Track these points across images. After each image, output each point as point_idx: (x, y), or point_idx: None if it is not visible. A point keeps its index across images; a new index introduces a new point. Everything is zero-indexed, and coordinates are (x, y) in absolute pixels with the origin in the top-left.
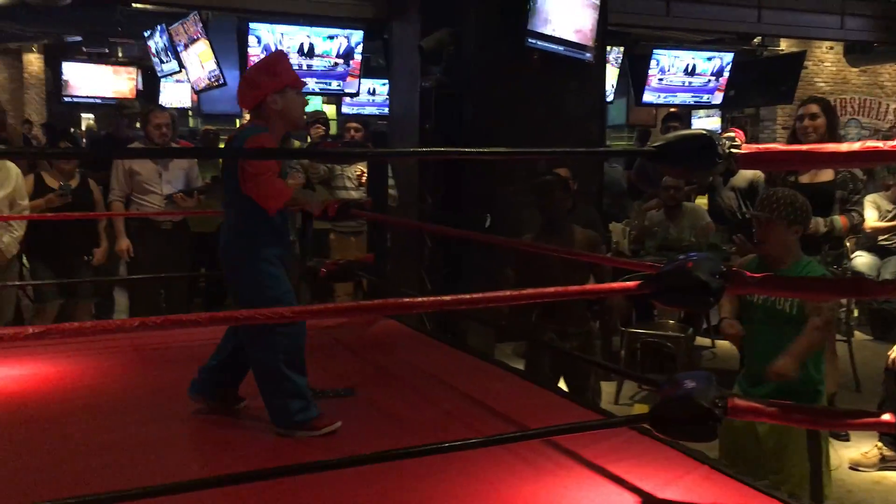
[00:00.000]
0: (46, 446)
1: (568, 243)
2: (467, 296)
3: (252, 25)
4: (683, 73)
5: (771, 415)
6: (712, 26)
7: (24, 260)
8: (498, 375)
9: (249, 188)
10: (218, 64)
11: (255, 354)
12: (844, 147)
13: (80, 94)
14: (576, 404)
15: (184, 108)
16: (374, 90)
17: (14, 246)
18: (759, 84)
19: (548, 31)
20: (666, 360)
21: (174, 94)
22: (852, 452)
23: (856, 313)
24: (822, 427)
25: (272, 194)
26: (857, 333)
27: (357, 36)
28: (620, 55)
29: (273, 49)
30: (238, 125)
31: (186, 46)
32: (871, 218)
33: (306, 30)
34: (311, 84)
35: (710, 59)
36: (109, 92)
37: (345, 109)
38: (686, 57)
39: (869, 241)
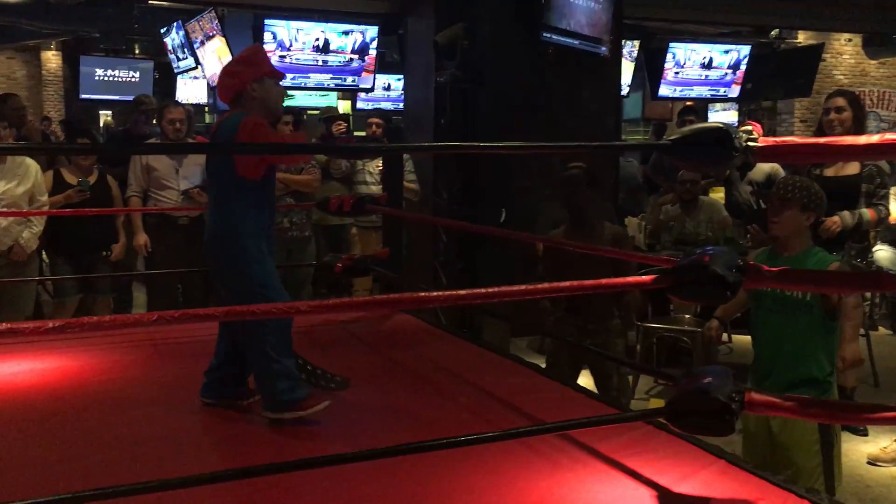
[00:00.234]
0: (65, 439)
1: (596, 238)
2: (482, 290)
3: (267, 21)
4: (700, 67)
5: (788, 409)
6: (729, 18)
7: (44, 255)
8: (513, 370)
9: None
10: None
11: (243, 339)
12: (863, 140)
13: (97, 91)
14: (591, 399)
15: (200, 104)
16: (389, 85)
17: (34, 241)
18: (776, 77)
19: (563, 24)
20: (682, 354)
21: (190, 91)
22: (871, 447)
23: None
24: (840, 421)
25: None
26: (879, 328)
27: (372, 31)
28: (635, 49)
29: (288, 45)
30: None
31: (203, 43)
32: None
33: (321, 25)
34: (326, 80)
35: (726, 52)
36: (126, 88)
37: (360, 105)
38: (702, 50)
39: (891, 235)
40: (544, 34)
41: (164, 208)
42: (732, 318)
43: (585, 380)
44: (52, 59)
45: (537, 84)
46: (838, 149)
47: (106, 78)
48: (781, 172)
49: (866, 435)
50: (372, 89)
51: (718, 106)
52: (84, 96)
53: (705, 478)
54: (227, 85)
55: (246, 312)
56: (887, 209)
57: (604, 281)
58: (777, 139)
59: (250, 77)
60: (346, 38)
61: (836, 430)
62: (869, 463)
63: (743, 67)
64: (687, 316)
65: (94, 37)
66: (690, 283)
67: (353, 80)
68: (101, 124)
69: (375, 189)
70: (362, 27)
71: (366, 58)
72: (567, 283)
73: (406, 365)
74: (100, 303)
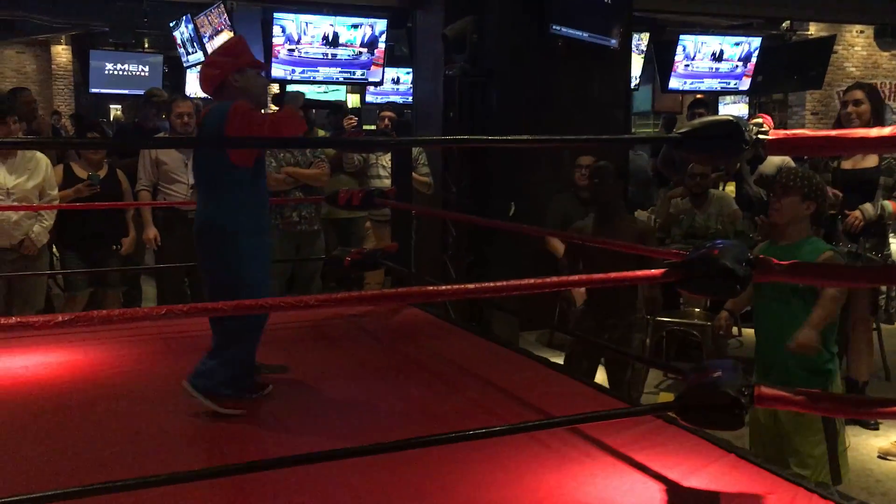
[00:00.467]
0: (76, 432)
1: (624, 230)
2: (491, 284)
3: (276, 15)
4: (710, 59)
5: (798, 403)
6: (739, 10)
7: (54, 249)
8: (522, 364)
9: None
10: None
11: (220, 323)
12: (874, 132)
13: (106, 85)
14: (600, 392)
15: (209, 98)
16: (398, 79)
17: (44, 235)
18: (787, 69)
19: (572, 17)
20: (691, 348)
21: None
22: (881, 441)
23: None
24: (851, 415)
25: (280, 121)
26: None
27: (381, 25)
28: (643, 42)
29: (297, 39)
30: None
31: (212, 37)
32: None
33: (330, 19)
34: (335, 73)
35: (737, 44)
36: (135, 82)
37: (369, 98)
38: (713, 42)
39: None
40: (553, 27)
41: (174, 202)
42: (743, 310)
43: (600, 374)
44: (61, 53)
45: (546, 77)
46: (849, 142)
47: (115, 72)
48: (792, 164)
49: (877, 429)
50: (381, 83)
51: (729, 98)
52: (94, 90)
53: (715, 472)
54: (209, 76)
55: (255, 307)
56: None
57: (612, 275)
58: (788, 132)
59: (231, 68)
60: (355, 31)
61: (840, 419)
62: (879, 457)
63: (754, 60)
64: (697, 309)
65: (104, 31)
66: (700, 276)
67: (362, 74)
68: (111, 118)
69: (389, 182)
70: (371, 20)
71: (375, 51)
72: (576, 277)
73: (414, 359)
74: (110, 296)
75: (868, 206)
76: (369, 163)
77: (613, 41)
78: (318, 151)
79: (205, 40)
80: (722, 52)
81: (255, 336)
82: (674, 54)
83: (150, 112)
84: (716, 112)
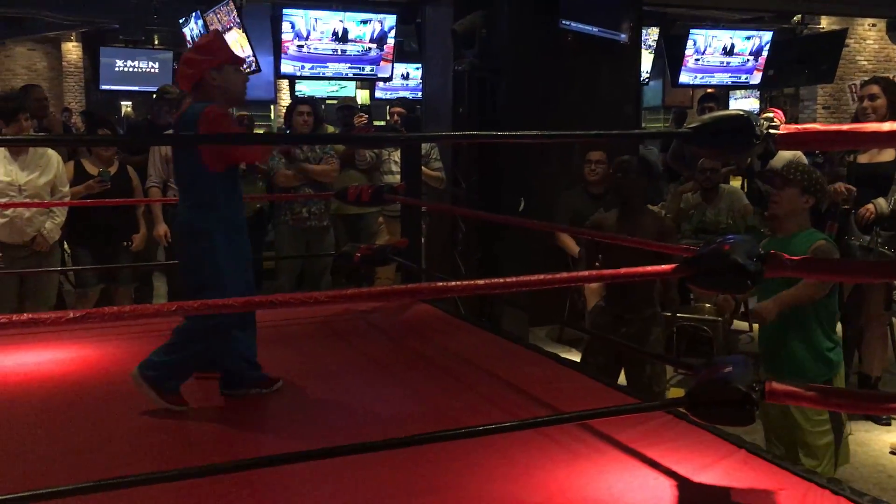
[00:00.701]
0: (88, 428)
1: (646, 226)
2: (501, 279)
3: (286, 11)
4: (721, 53)
5: (809, 399)
6: (750, 4)
7: (66, 246)
8: (532, 359)
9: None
10: (252, 50)
11: (189, 320)
12: (886, 126)
13: (117, 82)
14: (611, 388)
15: None
16: (407, 74)
17: (56, 232)
18: (798, 63)
19: (581, 11)
20: (702, 343)
21: None
22: (893, 437)
23: None
24: (862, 411)
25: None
26: None
27: (390, 20)
28: (650, 38)
29: (306, 34)
30: (272, 111)
31: (221, 34)
32: None
33: (339, 14)
34: (344, 69)
35: (748, 38)
36: (146, 79)
37: (378, 94)
38: (723, 36)
39: None
40: (563, 21)
41: None
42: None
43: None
44: (72, 50)
45: (556, 72)
46: (861, 136)
47: (126, 69)
48: (804, 160)
49: (889, 424)
50: (390, 78)
51: (740, 93)
52: (104, 87)
53: (725, 467)
54: (186, 74)
55: (265, 303)
56: None
57: (622, 270)
58: (799, 126)
59: (208, 65)
60: (364, 27)
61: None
62: (891, 452)
63: (765, 54)
64: (707, 305)
65: (114, 28)
66: (711, 272)
67: (372, 70)
68: (122, 115)
69: (401, 178)
70: (380, 16)
71: (384, 47)
72: (586, 273)
73: (424, 354)
74: (121, 293)
75: (881, 201)
76: (381, 159)
77: (623, 36)
78: (327, 148)
79: None
80: (733, 46)
81: (221, 338)
82: (684, 49)
83: (163, 108)
84: (726, 107)
